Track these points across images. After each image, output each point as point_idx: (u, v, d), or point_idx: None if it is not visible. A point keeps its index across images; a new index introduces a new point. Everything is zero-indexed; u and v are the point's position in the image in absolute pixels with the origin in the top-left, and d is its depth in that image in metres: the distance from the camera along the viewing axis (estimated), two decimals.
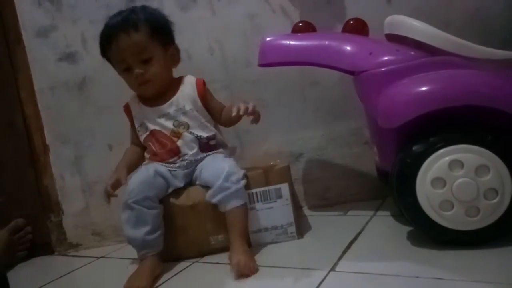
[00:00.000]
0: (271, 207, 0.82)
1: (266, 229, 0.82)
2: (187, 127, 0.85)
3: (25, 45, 1.03)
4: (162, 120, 0.86)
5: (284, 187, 0.82)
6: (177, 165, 0.85)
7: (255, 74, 1.00)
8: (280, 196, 0.82)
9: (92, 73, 1.04)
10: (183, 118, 0.85)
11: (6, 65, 1.03)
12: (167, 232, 0.81)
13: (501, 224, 0.62)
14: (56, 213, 1.07)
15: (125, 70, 0.82)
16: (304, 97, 1.02)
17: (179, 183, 0.84)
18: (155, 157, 0.86)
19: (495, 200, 0.62)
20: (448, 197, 0.63)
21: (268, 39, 0.80)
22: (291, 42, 0.80)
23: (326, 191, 1.03)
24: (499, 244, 0.63)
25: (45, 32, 1.03)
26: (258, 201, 0.82)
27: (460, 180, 0.62)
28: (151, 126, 0.86)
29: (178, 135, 0.85)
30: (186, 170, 0.85)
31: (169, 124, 0.85)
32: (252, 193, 0.82)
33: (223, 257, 0.78)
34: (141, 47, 0.80)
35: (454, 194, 0.62)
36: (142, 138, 0.88)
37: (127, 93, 0.98)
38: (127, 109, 0.90)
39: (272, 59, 0.81)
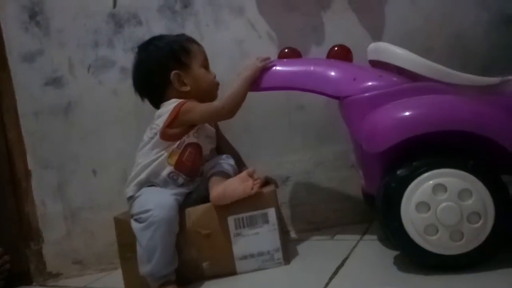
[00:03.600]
0: (257, 233, 0.81)
1: (252, 256, 0.81)
2: (211, 155, 0.90)
3: (10, 69, 1.02)
4: (204, 139, 0.88)
5: (271, 212, 0.81)
6: (191, 187, 0.86)
7: None
8: (266, 221, 0.81)
9: (78, 98, 1.03)
10: (212, 145, 0.91)
11: None
12: None
13: (485, 248, 0.62)
14: (36, 241, 1.03)
15: (203, 66, 0.90)
16: (290, 121, 1.03)
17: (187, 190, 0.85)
18: (179, 166, 0.83)
19: (478, 224, 0.62)
20: (432, 221, 0.63)
21: None
22: (278, 68, 0.81)
23: (313, 214, 1.03)
24: (484, 268, 0.63)
25: (32, 56, 1.03)
26: (244, 227, 0.81)
27: (443, 204, 0.62)
28: (198, 140, 0.86)
29: (204, 162, 0.88)
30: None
31: (207, 148, 0.89)
32: (238, 218, 0.80)
33: (208, 285, 0.76)
34: None
35: (439, 218, 0.62)
36: (187, 142, 0.84)
37: (112, 118, 0.98)
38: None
39: (259, 84, 0.82)
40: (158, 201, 0.76)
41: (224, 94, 0.83)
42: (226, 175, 0.85)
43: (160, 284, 0.75)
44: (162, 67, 0.86)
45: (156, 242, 0.74)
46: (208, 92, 0.89)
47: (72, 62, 1.03)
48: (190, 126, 0.85)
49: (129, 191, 0.83)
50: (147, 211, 0.75)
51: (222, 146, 0.96)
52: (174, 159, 0.83)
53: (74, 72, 1.03)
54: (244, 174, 0.81)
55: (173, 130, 0.83)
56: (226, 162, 0.88)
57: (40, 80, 1.03)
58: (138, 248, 0.75)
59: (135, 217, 0.78)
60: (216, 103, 0.85)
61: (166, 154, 0.83)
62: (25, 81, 1.03)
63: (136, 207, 0.79)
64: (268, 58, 0.83)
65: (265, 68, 0.81)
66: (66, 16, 1.02)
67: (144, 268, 0.75)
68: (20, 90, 1.03)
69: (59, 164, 1.04)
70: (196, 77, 0.88)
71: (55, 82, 1.03)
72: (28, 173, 1.04)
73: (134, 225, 0.77)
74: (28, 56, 1.03)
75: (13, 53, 1.03)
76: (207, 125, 0.89)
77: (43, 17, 1.02)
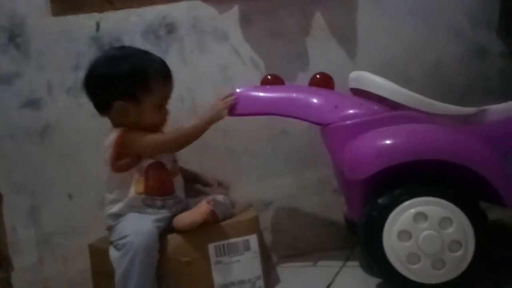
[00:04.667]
0: (239, 260, 0.79)
1: (232, 284, 0.78)
2: (178, 168, 0.86)
3: None
4: (163, 154, 0.83)
5: (253, 239, 0.80)
6: (174, 209, 0.81)
7: (224, 123, 0.99)
8: (248, 249, 0.79)
9: (56, 120, 1.00)
10: (176, 157, 0.87)
11: None
12: None
13: (466, 276, 0.63)
14: (5, 268, 0.98)
15: (159, 105, 0.83)
16: (273, 145, 1.03)
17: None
18: (149, 190, 0.79)
19: (459, 252, 0.62)
20: (414, 250, 0.63)
21: (238, 90, 0.82)
22: (260, 94, 0.82)
23: (295, 240, 1.02)
24: None
25: (9, 79, 1.00)
26: (225, 254, 0.79)
27: (425, 232, 0.63)
28: (156, 158, 0.81)
29: (176, 172, 0.84)
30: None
31: (169, 161, 0.84)
32: (219, 245, 0.79)
33: None
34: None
35: (420, 247, 0.63)
36: (145, 165, 0.81)
37: (90, 142, 0.96)
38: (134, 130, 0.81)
39: (242, 110, 0.82)
40: (136, 228, 0.74)
41: (178, 128, 0.81)
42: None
43: None
44: (111, 88, 0.80)
45: (133, 270, 0.71)
46: (147, 130, 0.82)
47: (51, 84, 1.01)
48: None
49: (107, 221, 0.80)
50: (124, 237, 0.73)
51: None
52: (141, 186, 0.80)
53: (53, 95, 1.01)
54: (203, 201, 0.79)
55: (123, 161, 0.79)
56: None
57: (16, 102, 1.00)
58: (116, 277, 0.72)
59: (114, 244, 0.75)
60: (163, 137, 0.81)
61: (132, 187, 0.79)
62: (0, 103, 1.00)
63: (115, 234, 0.76)
64: (231, 95, 0.81)
65: (243, 97, 0.81)
66: (47, 39, 1.00)
67: None
68: None
69: (33, 188, 1.00)
70: (142, 115, 0.81)
71: (33, 104, 1.00)
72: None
73: (112, 252, 0.74)
74: (5, 78, 1.00)
75: None
76: None
77: (23, 39, 1.00)
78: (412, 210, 0.64)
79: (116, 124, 0.83)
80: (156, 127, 0.85)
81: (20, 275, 0.98)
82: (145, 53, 0.84)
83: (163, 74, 0.83)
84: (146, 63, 0.81)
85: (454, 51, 1.02)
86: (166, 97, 0.84)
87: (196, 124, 0.82)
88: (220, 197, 0.85)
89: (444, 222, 0.63)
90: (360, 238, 0.68)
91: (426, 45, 1.02)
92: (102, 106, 0.83)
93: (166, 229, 0.80)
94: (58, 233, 0.99)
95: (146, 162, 0.80)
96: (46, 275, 0.98)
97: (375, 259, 0.65)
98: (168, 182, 0.83)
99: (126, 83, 0.79)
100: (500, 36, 1.02)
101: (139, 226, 0.74)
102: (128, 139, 0.79)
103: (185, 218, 0.79)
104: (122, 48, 0.88)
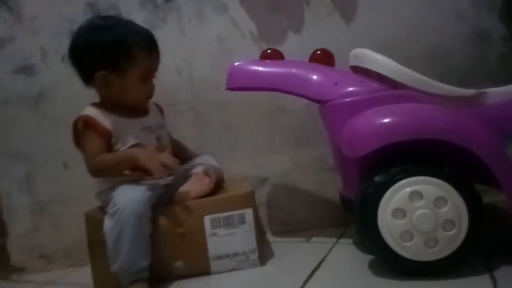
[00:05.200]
0: (234, 233, 0.80)
1: (227, 256, 0.80)
2: (167, 142, 0.87)
3: None
4: (144, 133, 0.82)
5: (248, 213, 0.80)
6: (167, 179, 0.82)
7: (222, 97, 0.99)
8: (243, 222, 0.80)
9: (50, 87, 0.99)
10: (163, 132, 0.86)
11: None
12: None
13: (458, 255, 0.64)
14: (0, 233, 0.99)
15: (142, 78, 0.80)
16: (271, 122, 1.02)
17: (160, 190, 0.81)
18: (138, 171, 0.79)
19: (452, 232, 0.63)
20: (408, 228, 0.64)
21: (236, 63, 0.81)
22: (259, 68, 0.80)
23: (290, 216, 1.03)
24: (456, 275, 0.64)
25: (2, 42, 0.97)
26: (220, 227, 0.79)
27: (419, 211, 0.63)
28: (133, 140, 0.80)
29: (162, 149, 0.84)
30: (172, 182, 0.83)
31: (151, 137, 0.83)
32: (215, 218, 0.79)
33: (180, 284, 0.75)
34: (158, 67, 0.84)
35: (414, 225, 0.63)
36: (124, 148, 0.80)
37: None
38: (95, 122, 0.78)
39: (240, 83, 0.81)
40: (127, 196, 0.74)
41: (104, 157, 0.77)
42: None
43: (132, 281, 0.73)
44: (93, 58, 0.77)
45: (124, 237, 0.72)
46: (131, 103, 0.82)
47: (46, 50, 0.98)
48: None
49: (101, 199, 0.82)
50: (115, 205, 0.73)
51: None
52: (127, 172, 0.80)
53: (47, 61, 0.99)
54: (200, 174, 0.82)
55: None
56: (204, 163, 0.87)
57: (10, 67, 0.98)
58: (108, 246, 0.73)
59: (107, 213, 0.75)
60: (92, 157, 0.77)
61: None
62: None
63: (110, 204, 0.76)
64: (171, 168, 0.77)
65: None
66: (41, 2, 0.97)
67: (114, 265, 0.73)
68: None
69: (28, 155, 0.99)
70: (126, 87, 0.79)
71: (27, 70, 0.98)
72: None
73: (106, 222, 0.75)
74: None
75: None
76: (140, 118, 0.83)
77: (15, 2, 0.97)
78: (408, 189, 0.64)
79: (101, 96, 0.82)
80: (142, 101, 0.84)
81: (15, 241, 0.99)
82: (130, 23, 0.82)
83: (148, 45, 0.80)
84: (130, 33, 0.79)
85: (455, 33, 1.00)
86: (151, 69, 0.82)
87: (119, 159, 0.78)
88: (207, 168, 0.85)
89: (439, 201, 0.63)
90: (355, 215, 0.68)
91: (427, 25, 1.00)
92: (86, 76, 0.81)
93: (162, 200, 0.80)
94: (53, 201, 0.99)
95: (125, 145, 0.79)
96: (41, 242, 0.99)
97: (369, 236, 0.66)
98: None
99: (108, 53, 0.77)
100: (502, 20, 1.01)
101: (130, 195, 0.74)
102: (79, 131, 0.79)
103: (191, 193, 0.80)
104: (107, 17, 0.85)
